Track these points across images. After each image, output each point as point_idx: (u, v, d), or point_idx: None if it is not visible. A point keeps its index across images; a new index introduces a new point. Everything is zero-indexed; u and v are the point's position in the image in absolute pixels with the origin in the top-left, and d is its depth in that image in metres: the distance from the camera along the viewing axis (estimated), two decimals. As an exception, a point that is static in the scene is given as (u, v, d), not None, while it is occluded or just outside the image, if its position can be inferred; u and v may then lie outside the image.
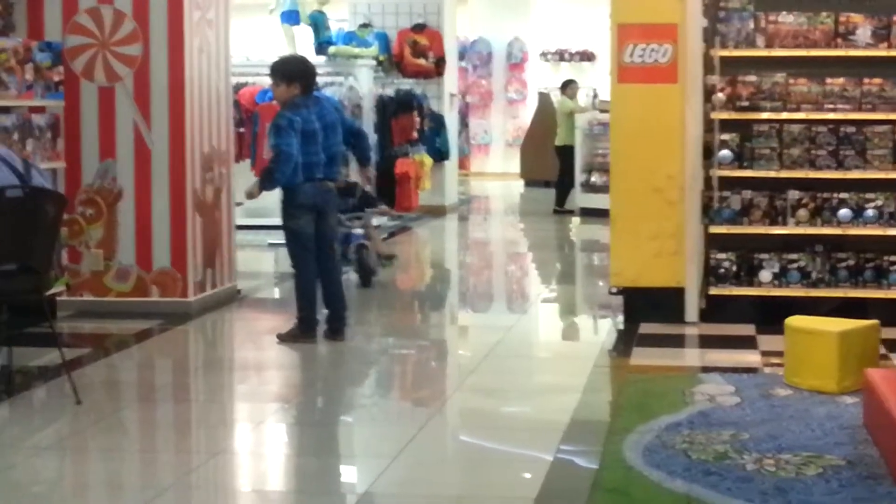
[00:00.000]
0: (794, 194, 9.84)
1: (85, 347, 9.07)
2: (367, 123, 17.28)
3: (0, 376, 7.93)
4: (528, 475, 6.22)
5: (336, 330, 9.49)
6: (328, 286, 9.55)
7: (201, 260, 10.56)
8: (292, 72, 9.44)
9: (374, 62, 17.76)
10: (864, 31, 9.83)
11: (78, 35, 10.38)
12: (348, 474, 6.70)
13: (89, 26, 10.40)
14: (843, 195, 9.79)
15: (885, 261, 9.75)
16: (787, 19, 9.88)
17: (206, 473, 6.55)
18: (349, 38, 17.99)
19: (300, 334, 9.29)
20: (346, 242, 11.14)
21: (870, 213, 9.71)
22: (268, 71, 9.85)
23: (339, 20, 19.16)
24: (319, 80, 16.91)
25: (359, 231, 11.59)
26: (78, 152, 10.28)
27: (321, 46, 17.73)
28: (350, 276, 10.49)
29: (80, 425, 7.33)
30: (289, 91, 9.36)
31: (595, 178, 18.38)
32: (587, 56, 27.06)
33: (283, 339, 9.31)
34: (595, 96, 20.88)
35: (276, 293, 12.31)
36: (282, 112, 9.33)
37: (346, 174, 11.89)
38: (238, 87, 15.41)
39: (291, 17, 18.27)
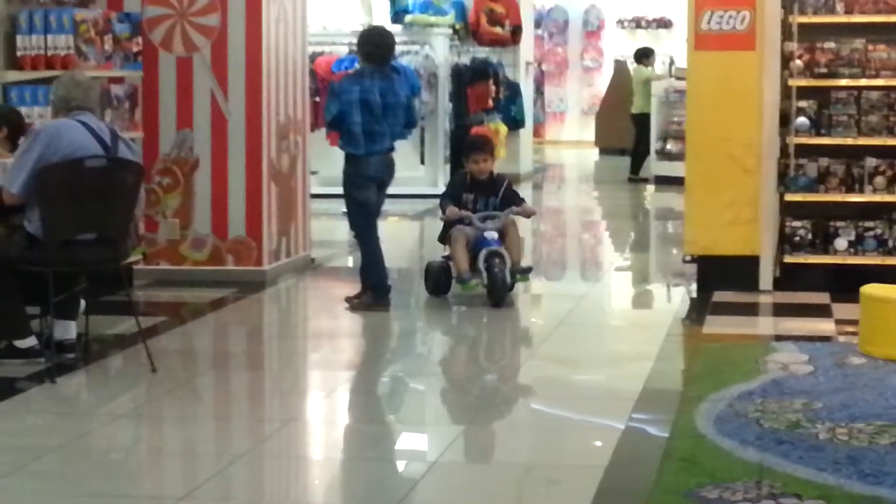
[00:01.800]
0: (871, 162, 9.79)
1: (160, 316, 9.16)
2: (443, 91, 17.36)
3: (77, 344, 8.03)
4: (599, 443, 6.24)
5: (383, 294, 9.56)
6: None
7: (276, 229, 10.63)
8: (366, 52, 9.56)
9: (450, 31, 17.78)
10: (946, -1, 9.78)
11: (156, 6, 10.46)
12: (420, 442, 6.71)
13: (169, -3, 10.48)
14: (922, 165, 9.75)
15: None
16: (865, -12, 9.83)
17: (279, 441, 6.58)
18: (425, 6, 17.98)
19: (374, 302, 9.36)
20: (476, 249, 9.28)
21: (947, 181, 9.67)
22: (344, 40, 9.94)
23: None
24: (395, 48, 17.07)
25: (493, 234, 9.30)
26: (156, 122, 10.39)
27: (397, 15, 17.78)
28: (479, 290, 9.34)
29: (156, 393, 7.41)
30: (372, 63, 9.46)
31: (670, 146, 18.33)
32: (664, 23, 26.90)
33: (356, 307, 9.38)
34: (672, 64, 20.77)
35: (350, 262, 12.33)
36: (348, 79, 9.60)
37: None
38: (314, 57, 15.43)
39: (369, -12, 18.36)
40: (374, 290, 9.42)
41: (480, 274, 9.16)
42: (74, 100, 7.85)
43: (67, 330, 8.02)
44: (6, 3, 9.20)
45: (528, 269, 9.36)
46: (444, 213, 9.54)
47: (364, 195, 9.47)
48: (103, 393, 7.46)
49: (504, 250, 9.20)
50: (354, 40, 16.59)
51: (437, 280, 9.78)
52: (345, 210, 12.13)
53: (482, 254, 8.99)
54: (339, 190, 15.74)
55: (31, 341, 7.77)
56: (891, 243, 9.77)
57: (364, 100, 9.37)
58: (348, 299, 9.50)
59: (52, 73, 9.01)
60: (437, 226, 9.93)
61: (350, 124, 9.26)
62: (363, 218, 9.53)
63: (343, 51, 16.52)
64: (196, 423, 6.96)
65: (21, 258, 7.68)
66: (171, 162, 10.45)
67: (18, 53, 9.25)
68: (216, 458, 6.25)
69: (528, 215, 10.04)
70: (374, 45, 9.58)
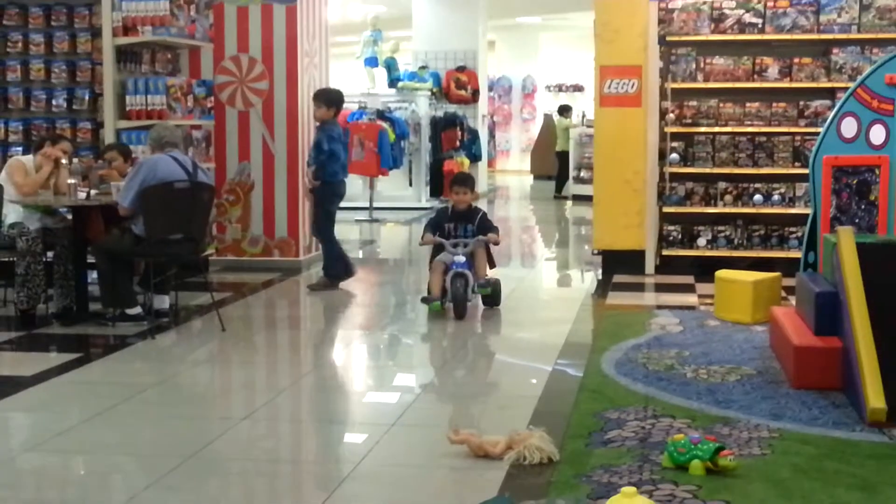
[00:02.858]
0: (722, 185, 9.82)
1: (227, 292, 9.12)
2: (424, 135, 17.36)
3: (169, 311, 8.05)
4: (534, 381, 6.25)
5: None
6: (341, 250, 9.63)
7: (308, 231, 10.61)
8: (333, 99, 9.34)
9: (430, 93, 17.77)
10: (773, 70, 9.78)
11: (224, 75, 10.42)
12: (409, 379, 6.72)
13: (232, 68, 10.42)
14: (757, 185, 9.78)
15: (786, 231, 9.73)
16: (719, 61, 9.84)
17: (311, 379, 6.62)
18: (412, 76, 18.02)
19: (329, 283, 9.34)
20: (447, 271, 8.05)
21: (776, 197, 9.69)
22: (355, 100, 9.72)
23: (405, 63, 19.17)
24: (391, 104, 17.11)
25: (460, 258, 8.00)
26: (223, 156, 10.33)
27: (393, 82, 17.80)
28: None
29: (225, 346, 7.42)
30: (328, 112, 9.28)
31: (583, 174, 18.27)
32: (578, 88, 26.87)
33: (315, 288, 9.37)
34: (584, 116, 20.72)
35: (360, 254, 12.32)
36: (330, 126, 9.33)
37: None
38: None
39: (372, 62, 18.31)
40: (333, 277, 9.37)
41: (447, 292, 7.99)
42: (166, 140, 7.84)
43: (162, 301, 8.01)
44: (118, 72, 9.16)
45: (486, 284, 8.11)
46: (422, 238, 8.47)
47: (335, 208, 9.46)
48: (187, 346, 7.46)
49: (468, 272, 7.97)
50: (364, 100, 16.79)
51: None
52: (357, 218, 11.96)
53: (449, 275, 7.95)
54: (352, 203, 15.83)
55: (137, 310, 7.76)
56: (736, 241, 9.80)
57: (342, 142, 9.49)
58: (310, 286, 9.46)
59: (150, 122, 8.99)
60: (420, 228, 9.78)
61: (336, 159, 9.25)
62: (331, 224, 9.47)
63: (354, 107, 16.47)
64: (253, 366, 6.98)
65: (130, 251, 7.71)
66: (235, 185, 10.39)
67: (127, 108, 9.21)
68: (267, 390, 6.29)
69: (494, 243, 8.44)
70: (338, 99, 9.44)
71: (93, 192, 8.06)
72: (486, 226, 8.29)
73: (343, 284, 9.41)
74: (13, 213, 7.90)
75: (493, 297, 8.30)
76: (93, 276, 8.07)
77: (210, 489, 4.52)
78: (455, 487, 4.48)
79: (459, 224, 8.27)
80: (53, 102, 9.36)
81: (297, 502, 4.43)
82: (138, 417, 5.56)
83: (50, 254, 7.88)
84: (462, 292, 7.88)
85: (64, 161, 8.09)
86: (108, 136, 9.01)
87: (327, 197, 9.38)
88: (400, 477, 4.70)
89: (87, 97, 9.32)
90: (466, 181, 8.61)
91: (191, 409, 5.82)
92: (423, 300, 8.16)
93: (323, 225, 9.48)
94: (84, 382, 6.28)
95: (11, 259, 7.73)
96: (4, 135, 9.41)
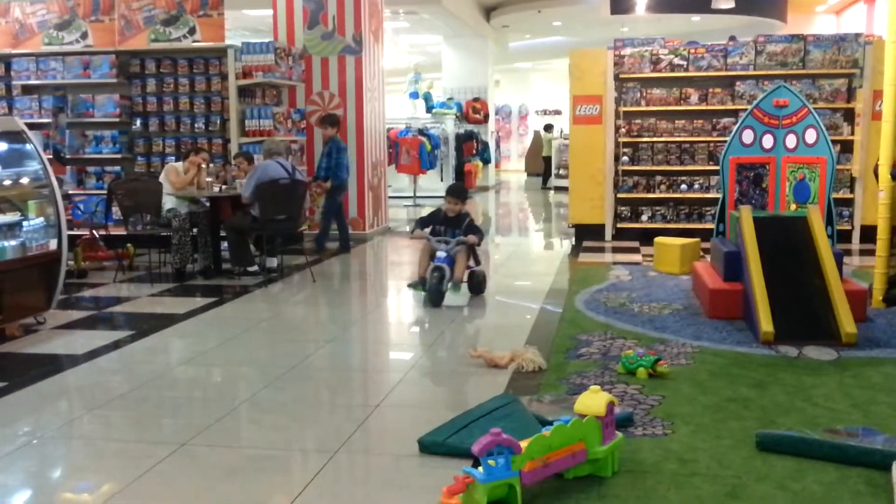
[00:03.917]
0: (658, 178, 9.75)
1: (316, 255, 9.14)
2: (451, 146, 17.27)
3: (276, 269, 8.06)
4: (528, 316, 6.23)
5: (348, 247, 9.40)
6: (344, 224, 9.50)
7: (371, 213, 10.60)
8: (335, 122, 9.30)
9: (454, 117, 17.67)
10: (694, 97, 9.69)
11: (312, 105, 10.39)
12: (440, 314, 6.40)
13: (317, 100, 10.40)
14: (683, 178, 9.70)
15: (703, 209, 9.66)
16: (656, 92, 9.76)
17: (375, 314, 6.63)
18: (442, 105, 17.88)
19: (318, 250, 9.25)
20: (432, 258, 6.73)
21: (696, 186, 9.63)
22: (402, 122, 9.52)
23: (437, 96, 19.06)
24: (427, 125, 17.02)
25: (442, 254, 6.61)
26: (312, 162, 10.27)
27: (429, 109, 17.67)
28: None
29: (315, 292, 7.42)
30: (333, 131, 9.25)
31: (562, 171, 18.15)
32: (558, 111, 26.61)
33: (309, 251, 9.13)
34: (562, 131, 20.57)
35: (406, 228, 12.32)
36: (337, 140, 9.26)
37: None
38: (388, 129, 15.35)
39: (414, 95, 18.16)
40: (320, 246, 9.35)
41: (427, 280, 6.58)
42: (273, 150, 7.84)
43: (272, 262, 8.05)
44: (240, 103, 9.16)
45: (458, 284, 6.55)
46: (411, 232, 6.97)
47: (340, 199, 9.43)
48: (289, 292, 7.48)
49: (446, 267, 6.52)
50: (409, 122, 16.72)
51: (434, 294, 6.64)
52: (405, 204, 11.88)
53: (430, 267, 6.60)
54: (400, 194, 15.80)
55: (254, 267, 7.80)
56: (668, 217, 9.73)
57: (345, 150, 9.36)
58: (307, 248, 9.23)
59: (262, 137, 9.00)
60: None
61: (341, 166, 9.20)
62: (333, 212, 9.40)
63: (402, 126, 16.42)
64: (335, 306, 6.99)
65: (250, 227, 7.73)
66: (320, 182, 10.39)
67: (246, 128, 9.22)
68: (343, 322, 6.28)
69: (470, 244, 6.64)
70: (338, 122, 9.36)
71: (223, 187, 8.13)
72: (470, 229, 6.73)
73: (380, 250, 9.38)
74: (169, 202, 7.96)
75: (476, 287, 6.88)
76: (224, 245, 8.12)
77: (306, 389, 4.55)
78: (476, 386, 4.49)
79: (448, 227, 6.78)
80: (195, 125, 9.38)
81: (366, 398, 4.45)
82: (256, 341, 5.61)
83: (194, 230, 7.93)
84: (436, 283, 6.46)
85: (203, 166, 8.13)
86: (234, 148, 9.03)
87: (337, 192, 9.36)
88: (438, 377, 4.73)
89: (218, 121, 9.33)
90: (456, 192, 6.89)
91: (292, 334, 5.85)
92: (409, 285, 6.85)
93: (328, 211, 9.45)
94: (219, 317, 6.32)
95: (168, 234, 7.80)
96: (163, 148, 9.46)
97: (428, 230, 6.80)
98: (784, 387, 4.30)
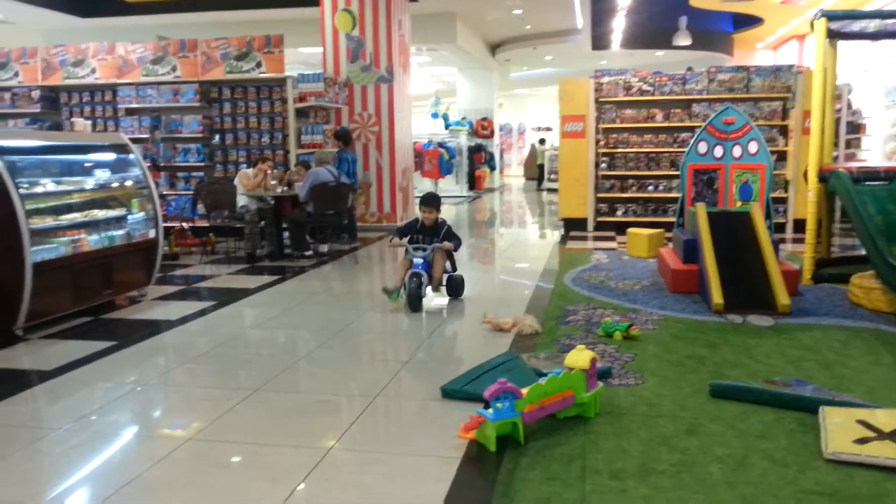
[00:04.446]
0: (630, 181, 9.65)
1: (357, 243, 9.13)
2: (464, 156, 17.19)
3: (327, 254, 8.05)
4: (526, 292, 6.17)
5: (355, 236, 9.20)
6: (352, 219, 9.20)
7: (402, 208, 10.58)
8: (345, 137, 9.08)
9: (467, 132, 17.59)
10: (659, 116, 9.56)
11: (354, 123, 10.36)
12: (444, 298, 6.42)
13: (359, 120, 10.35)
14: (650, 181, 9.59)
15: (667, 206, 9.54)
16: (628, 112, 9.63)
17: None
18: (457, 123, 17.82)
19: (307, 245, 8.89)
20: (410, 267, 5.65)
21: (661, 187, 9.53)
22: (425, 136, 9.41)
23: (454, 116, 19.00)
24: (445, 139, 16.95)
25: (419, 261, 5.59)
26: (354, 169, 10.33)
27: (447, 126, 17.60)
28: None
29: (356, 271, 7.39)
30: (340, 144, 9.00)
31: (553, 177, 18.09)
32: (549, 128, 26.49)
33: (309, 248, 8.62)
34: (553, 144, 20.44)
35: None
36: (342, 152, 8.98)
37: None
38: (415, 143, 15.32)
39: (435, 115, 18.12)
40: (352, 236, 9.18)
41: (406, 287, 5.54)
42: (323, 159, 7.83)
43: (323, 248, 8.04)
44: (296, 122, 9.16)
45: (438, 286, 5.66)
46: (390, 241, 5.88)
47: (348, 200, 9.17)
48: (338, 271, 7.45)
49: (423, 273, 5.51)
50: (431, 137, 16.66)
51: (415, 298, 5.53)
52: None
53: (407, 274, 5.54)
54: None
55: (310, 252, 7.80)
56: (639, 212, 9.64)
57: (351, 162, 9.11)
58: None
59: (314, 149, 8.99)
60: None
61: (344, 172, 8.86)
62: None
63: (425, 140, 16.37)
64: (372, 283, 6.94)
65: (306, 220, 7.71)
66: (361, 184, 10.33)
67: (302, 142, 9.22)
68: (380, 295, 6.20)
69: (445, 249, 5.65)
70: (348, 137, 9.10)
71: (285, 188, 8.13)
72: (447, 236, 5.71)
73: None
74: (242, 200, 7.97)
75: (454, 290, 5.81)
76: (285, 234, 8.13)
77: (351, 348, 4.55)
78: (485, 345, 4.48)
79: (427, 235, 5.72)
80: (262, 139, 9.36)
81: (398, 355, 4.45)
82: (311, 309, 5.61)
83: (262, 222, 7.94)
84: (415, 289, 5.42)
85: (268, 172, 8.14)
86: (293, 158, 9.02)
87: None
88: (454, 338, 4.72)
89: (280, 136, 9.31)
90: (430, 202, 5.72)
91: (340, 304, 5.83)
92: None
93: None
94: (282, 291, 6.31)
95: (241, 225, 7.83)
96: (237, 158, 9.48)
97: (406, 239, 5.76)
98: (732, 347, 4.27)
